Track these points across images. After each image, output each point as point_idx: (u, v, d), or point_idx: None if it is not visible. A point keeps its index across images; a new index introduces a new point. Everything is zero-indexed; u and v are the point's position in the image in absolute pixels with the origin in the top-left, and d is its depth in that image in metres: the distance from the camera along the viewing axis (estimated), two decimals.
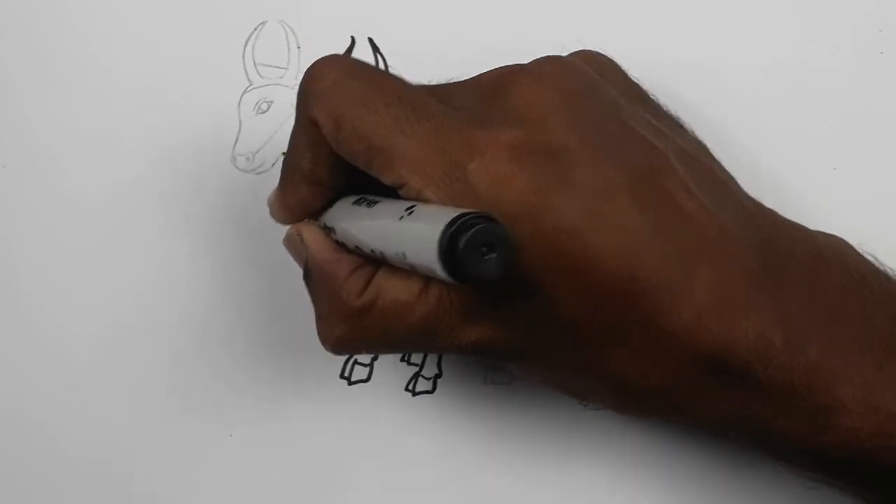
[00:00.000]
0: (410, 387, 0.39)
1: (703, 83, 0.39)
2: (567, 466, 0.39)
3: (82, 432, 0.39)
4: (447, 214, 0.27)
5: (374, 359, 0.39)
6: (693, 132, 0.35)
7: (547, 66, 0.32)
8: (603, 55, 0.35)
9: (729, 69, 0.39)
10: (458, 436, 0.39)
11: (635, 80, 0.35)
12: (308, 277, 0.33)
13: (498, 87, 0.32)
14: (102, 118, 0.39)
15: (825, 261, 0.32)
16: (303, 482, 0.39)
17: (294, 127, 0.33)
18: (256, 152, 0.39)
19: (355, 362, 0.39)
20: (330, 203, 0.33)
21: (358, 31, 0.39)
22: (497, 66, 0.33)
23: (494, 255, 0.27)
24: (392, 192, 0.31)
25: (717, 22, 0.39)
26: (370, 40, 0.39)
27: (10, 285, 0.39)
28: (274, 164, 0.39)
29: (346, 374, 0.39)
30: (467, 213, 0.27)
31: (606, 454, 0.39)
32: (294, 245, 0.34)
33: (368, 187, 0.32)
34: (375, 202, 0.31)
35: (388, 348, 0.33)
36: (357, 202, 0.32)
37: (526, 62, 0.33)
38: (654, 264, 0.30)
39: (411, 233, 0.29)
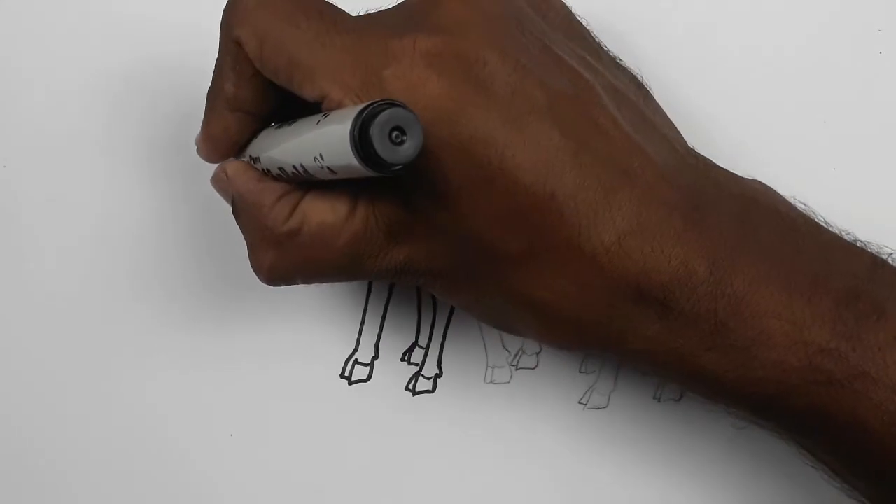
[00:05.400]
0: (410, 387, 0.39)
1: (702, 83, 0.39)
2: (567, 466, 0.39)
3: (81, 432, 0.39)
4: (358, 107, 0.27)
5: (374, 358, 0.39)
6: (639, 76, 0.35)
7: None
8: None
9: (728, 69, 0.39)
10: (458, 435, 0.39)
11: (579, 19, 0.35)
12: (236, 211, 0.33)
13: (423, 5, 0.31)
14: (101, 119, 0.39)
15: (756, 202, 0.32)
16: (303, 482, 0.39)
17: (218, 51, 0.32)
18: None
19: (356, 362, 0.39)
20: (254, 135, 0.33)
21: None
22: None
23: (406, 138, 0.27)
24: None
25: (717, 21, 0.39)
26: None
27: (10, 285, 0.39)
28: None
29: (347, 374, 0.39)
30: (375, 102, 0.27)
31: (606, 453, 0.39)
32: (220, 182, 0.33)
33: (292, 117, 0.32)
34: (295, 121, 0.31)
35: (320, 275, 0.33)
36: (278, 127, 0.32)
37: None
38: (575, 183, 0.29)
39: (325, 134, 0.29)
